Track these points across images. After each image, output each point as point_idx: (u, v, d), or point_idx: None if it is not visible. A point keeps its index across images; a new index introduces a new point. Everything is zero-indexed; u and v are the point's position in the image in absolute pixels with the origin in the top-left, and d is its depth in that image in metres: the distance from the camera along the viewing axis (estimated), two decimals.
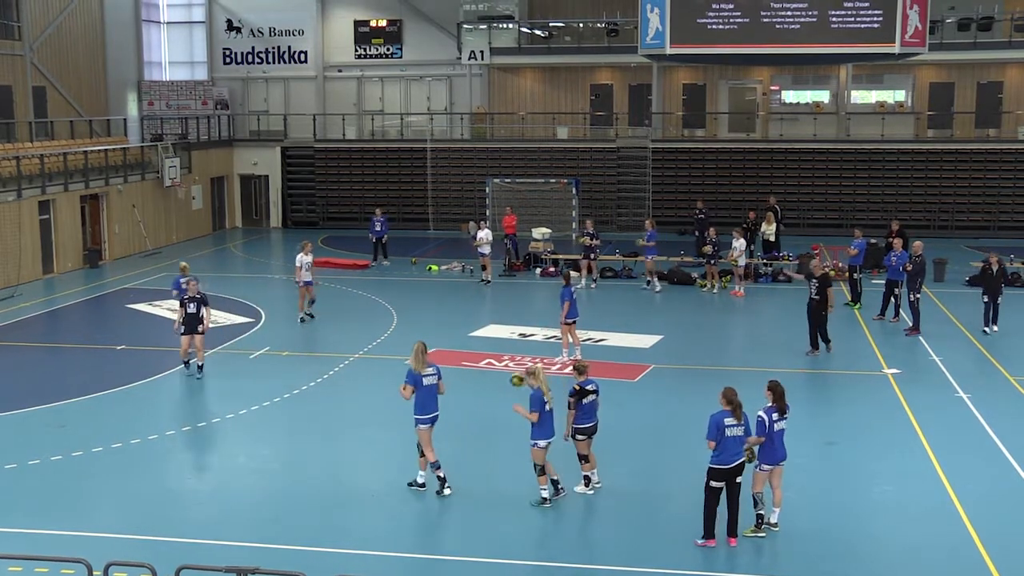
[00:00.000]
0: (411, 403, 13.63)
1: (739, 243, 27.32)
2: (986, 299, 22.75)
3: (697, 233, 33.55)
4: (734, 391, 12.16)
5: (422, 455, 13.67)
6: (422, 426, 13.56)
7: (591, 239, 28.43)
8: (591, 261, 28.63)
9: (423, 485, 13.78)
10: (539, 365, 13.33)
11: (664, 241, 33.91)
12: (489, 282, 28.90)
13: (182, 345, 19.63)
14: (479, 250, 29.01)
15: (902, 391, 18.38)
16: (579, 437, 13.52)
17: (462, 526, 12.90)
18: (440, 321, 24.44)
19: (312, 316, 24.20)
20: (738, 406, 12.04)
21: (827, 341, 20.92)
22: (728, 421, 11.97)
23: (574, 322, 20.46)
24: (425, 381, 13.52)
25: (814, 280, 20.76)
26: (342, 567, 11.33)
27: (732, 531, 12.15)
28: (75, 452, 15.40)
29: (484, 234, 28.93)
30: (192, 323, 19.41)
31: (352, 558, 11.88)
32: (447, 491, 13.59)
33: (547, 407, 12.98)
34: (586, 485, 13.71)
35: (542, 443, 13.06)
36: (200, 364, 19.60)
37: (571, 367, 13.94)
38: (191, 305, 19.40)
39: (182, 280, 20.21)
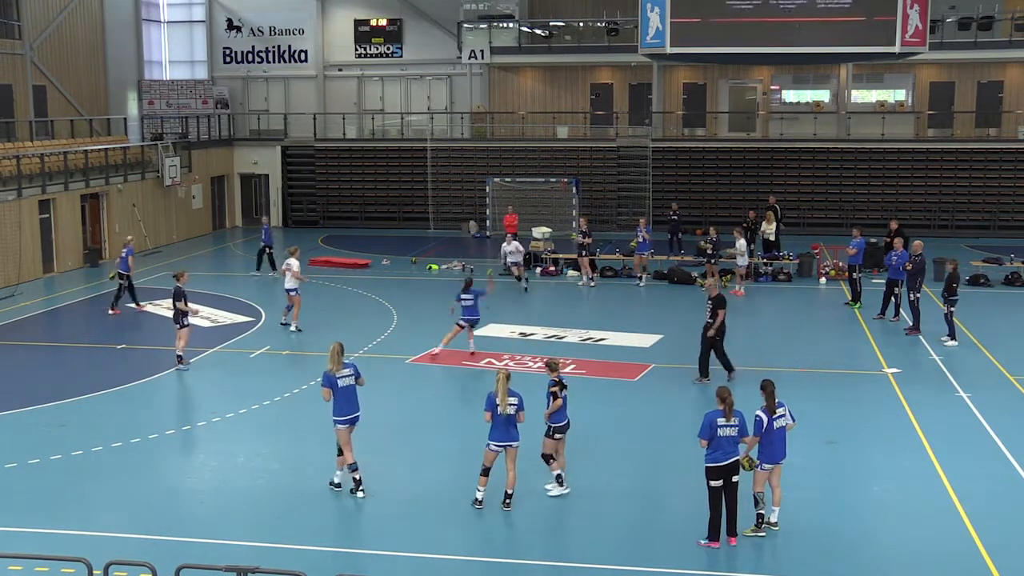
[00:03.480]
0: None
1: (740, 243, 27.31)
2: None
3: (671, 235, 33.58)
4: (727, 390, 12.19)
5: (340, 454, 13.69)
6: (340, 426, 13.57)
7: (583, 237, 28.63)
8: (584, 258, 28.82)
9: (339, 485, 13.80)
10: (503, 373, 13.22)
11: (660, 241, 33.96)
12: (527, 289, 27.98)
13: (183, 338, 19.89)
14: (511, 260, 28.58)
15: (902, 390, 18.38)
16: (557, 436, 13.51)
17: (463, 525, 12.90)
18: (440, 321, 24.39)
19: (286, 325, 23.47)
20: (729, 405, 12.05)
21: (730, 369, 18.97)
22: (720, 420, 11.99)
23: (466, 326, 20.70)
24: (340, 383, 13.52)
25: (708, 301, 18.89)
26: (342, 567, 11.33)
27: (732, 530, 12.16)
28: (75, 452, 15.40)
29: (512, 246, 28.63)
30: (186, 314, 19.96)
31: (352, 558, 11.88)
32: (360, 494, 13.61)
33: (500, 411, 12.95)
34: (559, 483, 13.63)
35: (493, 446, 13.10)
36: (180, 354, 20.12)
37: (543, 363, 13.98)
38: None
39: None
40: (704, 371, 18.97)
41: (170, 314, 21.26)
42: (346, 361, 13.79)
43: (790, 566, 11.75)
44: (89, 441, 15.83)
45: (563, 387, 13.54)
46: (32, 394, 18.43)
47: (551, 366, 13.78)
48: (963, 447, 15.54)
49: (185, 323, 19.86)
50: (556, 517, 13.14)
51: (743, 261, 27.48)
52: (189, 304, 20.10)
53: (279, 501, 13.61)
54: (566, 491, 13.60)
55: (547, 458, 13.60)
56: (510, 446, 13.11)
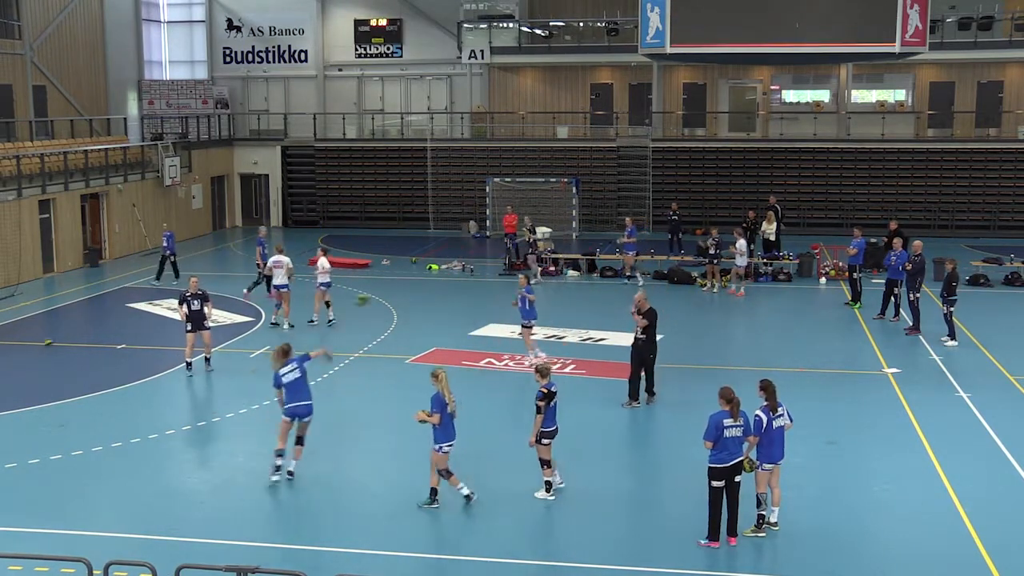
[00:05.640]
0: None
1: (740, 243, 27.31)
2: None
3: (671, 235, 33.56)
4: (731, 389, 12.15)
5: (298, 443, 14.15)
6: (284, 417, 14.03)
7: (532, 235, 29.17)
8: (532, 256, 29.15)
9: (291, 473, 14.08)
10: (442, 372, 13.14)
11: (661, 241, 33.97)
12: (292, 326, 23.08)
13: (188, 343, 19.71)
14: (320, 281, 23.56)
15: (902, 390, 18.38)
16: (544, 441, 13.36)
17: (462, 525, 12.89)
18: (440, 320, 24.44)
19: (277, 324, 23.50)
20: (736, 405, 12.04)
21: (651, 391, 17.62)
22: (728, 421, 11.96)
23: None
24: (285, 379, 13.98)
25: (639, 316, 17.44)
26: (342, 567, 11.32)
27: (732, 530, 12.15)
28: (75, 452, 15.39)
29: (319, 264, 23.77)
30: (198, 320, 19.66)
31: (352, 558, 11.88)
32: (274, 478, 13.97)
33: (448, 410, 12.88)
34: (547, 491, 13.52)
35: (446, 447, 12.99)
36: (208, 358, 19.97)
37: (534, 370, 13.76)
38: (195, 302, 19.61)
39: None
40: (635, 394, 17.53)
41: (171, 315, 21.31)
42: (292, 357, 14.19)
43: (790, 566, 11.74)
44: (89, 441, 15.82)
45: (551, 397, 13.33)
46: (32, 394, 18.42)
47: (542, 372, 13.51)
48: (963, 447, 15.53)
49: (187, 328, 19.75)
50: (556, 517, 13.13)
51: (742, 261, 27.46)
52: (207, 309, 19.85)
53: (279, 501, 13.61)
54: (551, 497, 13.46)
55: (544, 463, 13.52)
56: (453, 445, 13.10)
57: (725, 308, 26.29)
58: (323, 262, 23.74)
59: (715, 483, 12.00)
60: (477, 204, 39.25)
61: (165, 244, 29.27)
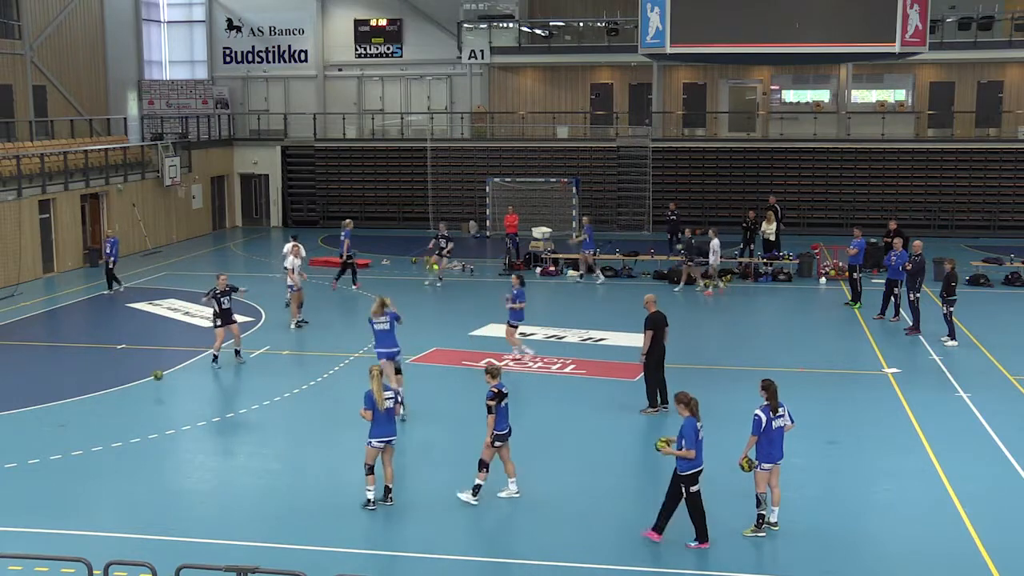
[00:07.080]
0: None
1: (714, 242, 27.45)
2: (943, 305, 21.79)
3: (670, 235, 33.64)
4: (686, 393, 12.19)
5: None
6: (381, 360, 15.98)
7: (436, 239, 29.14)
8: (442, 256, 29.10)
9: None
10: (375, 369, 13.36)
11: (660, 241, 33.98)
12: (305, 322, 23.52)
13: (218, 337, 20.09)
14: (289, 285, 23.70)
15: (902, 390, 18.38)
16: (498, 443, 13.30)
17: (459, 524, 12.90)
18: (440, 320, 24.45)
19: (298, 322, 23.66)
20: (696, 405, 12.07)
21: (654, 404, 17.16)
22: (698, 425, 12.02)
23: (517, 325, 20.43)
24: (376, 327, 16.53)
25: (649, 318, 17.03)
26: (342, 567, 11.33)
27: (659, 526, 12.17)
28: (75, 452, 15.40)
29: (291, 262, 23.63)
30: (227, 315, 20.11)
31: (352, 558, 11.88)
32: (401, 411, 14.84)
33: (378, 407, 12.97)
34: (474, 494, 13.31)
35: (375, 443, 13.09)
36: (238, 350, 20.49)
37: (485, 369, 13.66)
38: (224, 300, 20.04)
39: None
40: (654, 400, 17.23)
41: (171, 315, 21.30)
42: (388, 311, 16.51)
43: (790, 566, 11.75)
44: (89, 441, 15.83)
45: (502, 397, 13.28)
46: (32, 394, 18.43)
47: (492, 372, 13.44)
48: (963, 447, 15.53)
49: (217, 324, 20.19)
50: (554, 517, 13.12)
51: (713, 259, 27.58)
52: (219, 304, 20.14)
53: (279, 501, 13.61)
54: (475, 503, 13.25)
55: (482, 464, 13.37)
56: (390, 442, 13.19)
57: (725, 308, 26.29)
58: (292, 257, 23.78)
59: (693, 488, 12.00)
60: (477, 204, 39.25)
61: (108, 251, 27.55)
